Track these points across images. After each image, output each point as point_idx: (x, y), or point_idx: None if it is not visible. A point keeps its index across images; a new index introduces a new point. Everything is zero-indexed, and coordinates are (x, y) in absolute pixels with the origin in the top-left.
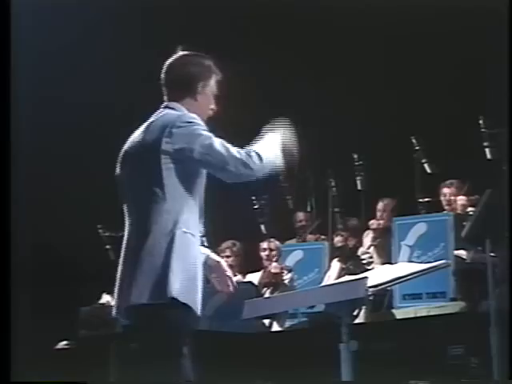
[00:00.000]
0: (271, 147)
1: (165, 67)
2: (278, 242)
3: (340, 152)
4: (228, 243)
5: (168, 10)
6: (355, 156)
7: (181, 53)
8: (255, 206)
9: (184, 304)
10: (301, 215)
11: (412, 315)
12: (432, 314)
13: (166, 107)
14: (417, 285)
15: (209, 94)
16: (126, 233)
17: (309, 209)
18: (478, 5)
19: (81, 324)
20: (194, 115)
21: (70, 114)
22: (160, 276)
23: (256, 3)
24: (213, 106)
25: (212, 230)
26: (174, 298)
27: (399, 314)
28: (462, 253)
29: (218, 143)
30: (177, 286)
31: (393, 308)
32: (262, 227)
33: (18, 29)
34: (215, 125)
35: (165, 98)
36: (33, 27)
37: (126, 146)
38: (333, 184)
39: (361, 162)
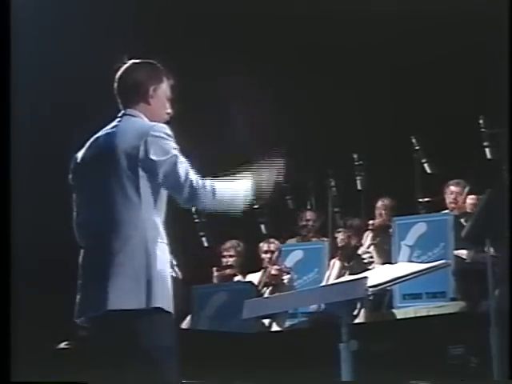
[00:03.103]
0: (234, 187)
1: (116, 77)
2: (277, 243)
3: (340, 152)
4: (233, 242)
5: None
6: (355, 156)
7: (129, 61)
8: (255, 206)
9: (167, 312)
10: (307, 214)
11: (412, 315)
12: (432, 313)
13: (125, 115)
14: (417, 285)
15: (162, 97)
16: (94, 235)
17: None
18: (478, 5)
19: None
20: (165, 125)
21: (70, 113)
22: (143, 283)
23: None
24: (169, 110)
25: (212, 230)
26: (157, 308)
27: (399, 313)
28: (462, 253)
29: (182, 166)
30: (160, 296)
31: (393, 308)
32: (262, 227)
33: (17, 29)
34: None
35: (120, 106)
36: (33, 27)
37: (88, 151)
38: (333, 184)
39: (361, 162)
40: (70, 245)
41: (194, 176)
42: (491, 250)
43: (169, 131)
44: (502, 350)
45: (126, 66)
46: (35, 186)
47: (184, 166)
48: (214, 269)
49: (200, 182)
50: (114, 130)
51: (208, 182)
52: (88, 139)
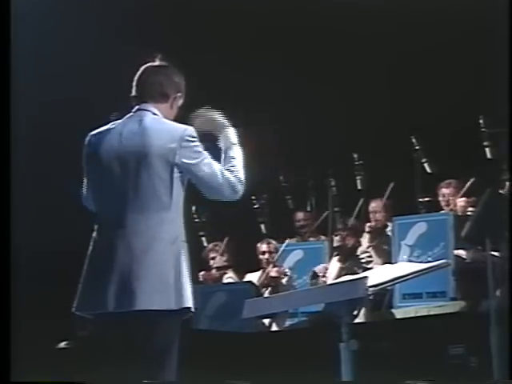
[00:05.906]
0: (241, 166)
1: (151, 73)
2: (275, 243)
3: (340, 152)
4: (211, 246)
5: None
6: (355, 156)
7: (163, 63)
8: (255, 206)
9: (192, 312)
10: (300, 215)
11: (412, 315)
12: (432, 313)
13: (143, 109)
14: (417, 284)
15: (181, 101)
16: (117, 234)
17: (309, 209)
18: (478, 5)
19: (80, 324)
20: (192, 128)
21: (71, 113)
22: (172, 284)
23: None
24: None
25: (212, 230)
26: (187, 308)
27: (399, 313)
28: (462, 252)
29: (215, 166)
30: (189, 296)
31: (393, 308)
32: (262, 227)
33: (18, 29)
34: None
35: (135, 99)
36: (33, 27)
37: (107, 147)
38: (333, 184)
39: (361, 162)
40: (70, 244)
41: (228, 174)
42: (491, 249)
43: (195, 133)
44: (502, 349)
45: (161, 67)
46: (36, 184)
47: (217, 165)
48: (201, 273)
49: (233, 178)
50: (139, 126)
51: (236, 175)
52: (96, 130)
